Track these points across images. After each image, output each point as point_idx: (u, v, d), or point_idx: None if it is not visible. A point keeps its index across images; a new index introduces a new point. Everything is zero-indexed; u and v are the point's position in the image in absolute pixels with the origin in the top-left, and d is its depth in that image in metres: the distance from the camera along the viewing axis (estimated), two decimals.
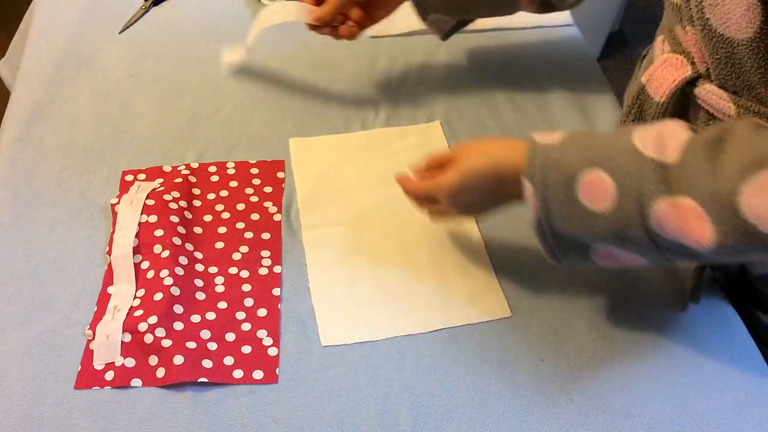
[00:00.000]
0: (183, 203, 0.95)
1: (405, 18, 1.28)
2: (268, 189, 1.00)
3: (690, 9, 0.72)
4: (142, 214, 0.92)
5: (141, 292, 0.85)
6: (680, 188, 0.67)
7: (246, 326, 0.85)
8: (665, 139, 0.69)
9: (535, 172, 0.73)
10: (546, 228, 0.74)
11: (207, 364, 0.80)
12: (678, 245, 0.69)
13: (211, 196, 0.98)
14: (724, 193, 0.65)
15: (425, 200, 0.85)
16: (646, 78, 0.82)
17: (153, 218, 0.91)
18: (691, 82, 0.78)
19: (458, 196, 0.80)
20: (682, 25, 0.77)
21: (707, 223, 0.66)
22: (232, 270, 0.90)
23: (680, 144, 0.69)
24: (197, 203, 0.97)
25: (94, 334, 0.82)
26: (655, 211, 0.68)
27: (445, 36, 1.09)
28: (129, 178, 0.99)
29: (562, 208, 0.72)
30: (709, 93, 0.77)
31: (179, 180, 0.98)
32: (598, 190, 0.71)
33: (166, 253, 0.88)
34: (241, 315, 0.86)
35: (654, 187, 0.68)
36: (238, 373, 0.81)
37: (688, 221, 0.67)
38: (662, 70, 0.80)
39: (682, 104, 0.81)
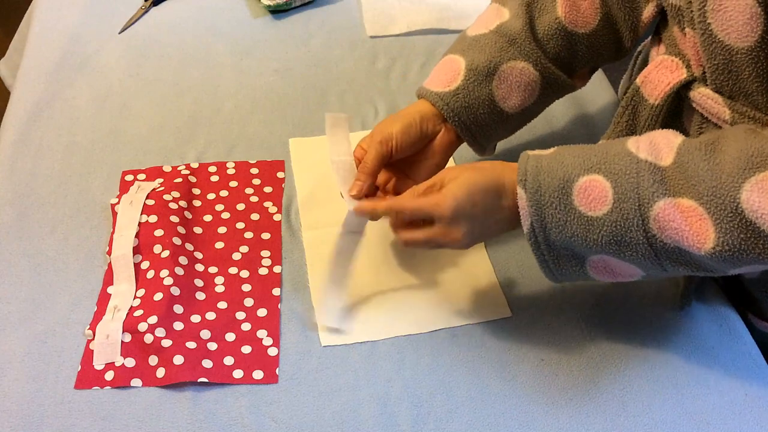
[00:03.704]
0: (183, 203, 0.95)
1: (405, 18, 1.28)
2: (268, 189, 1.00)
3: (692, 12, 0.72)
4: (142, 214, 0.92)
5: (141, 292, 0.85)
6: (679, 189, 0.67)
7: (246, 326, 0.85)
8: (658, 144, 0.70)
9: (527, 177, 0.73)
10: (540, 237, 0.73)
11: (207, 364, 0.80)
12: (676, 250, 0.68)
13: (211, 196, 0.98)
14: (725, 191, 0.65)
15: (415, 221, 0.79)
16: (640, 80, 0.82)
17: (153, 218, 0.91)
18: (686, 85, 0.78)
19: (460, 210, 0.74)
20: (680, 27, 0.77)
21: (708, 223, 0.66)
22: (232, 270, 0.90)
23: (674, 147, 0.69)
24: (197, 203, 0.97)
25: (94, 334, 0.82)
26: (655, 211, 0.68)
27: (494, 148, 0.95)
28: (129, 178, 0.99)
29: (557, 215, 0.72)
30: (704, 97, 0.76)
31: (179, 180, 0.97)
32: (594, 194, 0.70)
33: (166, 253, 0.88)
34: (241, 315, 0.86)
35: (653, 188, 0.68)
36: (238, 373, 0.81)
37: (688, 221, 0.66)
38: (657, 72, 0.80)
39: (677, 107, 0.81)
